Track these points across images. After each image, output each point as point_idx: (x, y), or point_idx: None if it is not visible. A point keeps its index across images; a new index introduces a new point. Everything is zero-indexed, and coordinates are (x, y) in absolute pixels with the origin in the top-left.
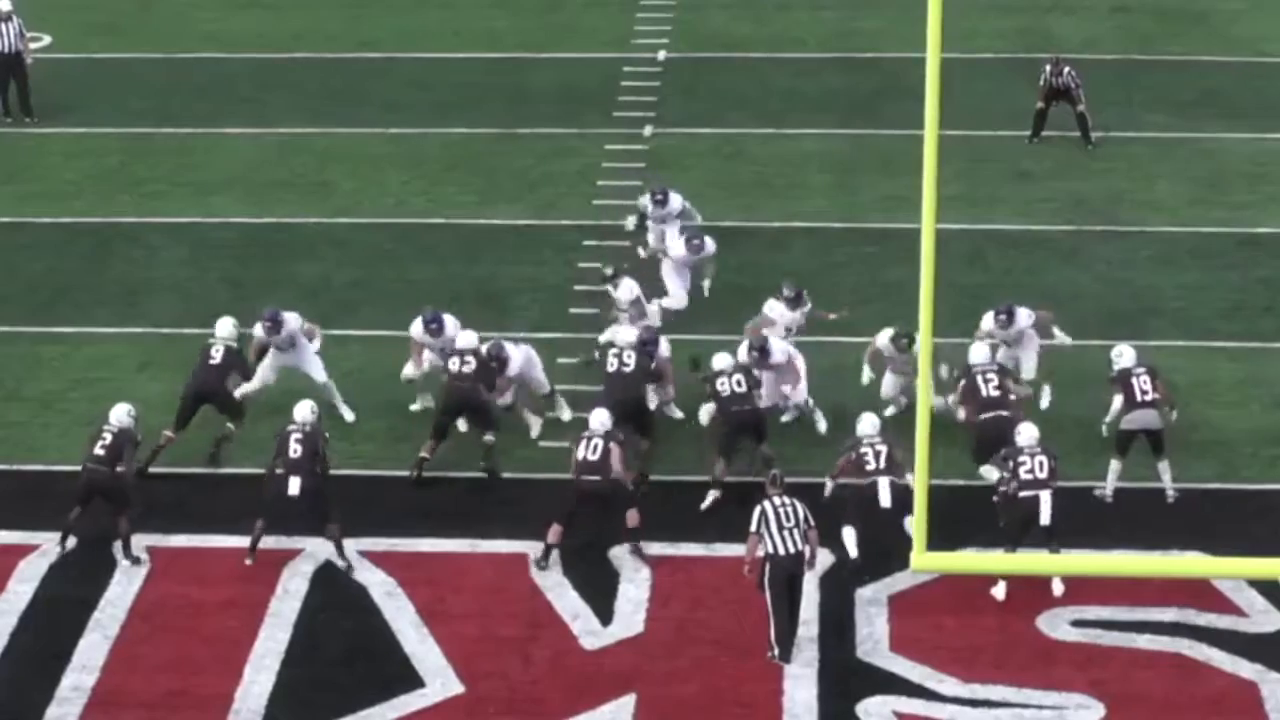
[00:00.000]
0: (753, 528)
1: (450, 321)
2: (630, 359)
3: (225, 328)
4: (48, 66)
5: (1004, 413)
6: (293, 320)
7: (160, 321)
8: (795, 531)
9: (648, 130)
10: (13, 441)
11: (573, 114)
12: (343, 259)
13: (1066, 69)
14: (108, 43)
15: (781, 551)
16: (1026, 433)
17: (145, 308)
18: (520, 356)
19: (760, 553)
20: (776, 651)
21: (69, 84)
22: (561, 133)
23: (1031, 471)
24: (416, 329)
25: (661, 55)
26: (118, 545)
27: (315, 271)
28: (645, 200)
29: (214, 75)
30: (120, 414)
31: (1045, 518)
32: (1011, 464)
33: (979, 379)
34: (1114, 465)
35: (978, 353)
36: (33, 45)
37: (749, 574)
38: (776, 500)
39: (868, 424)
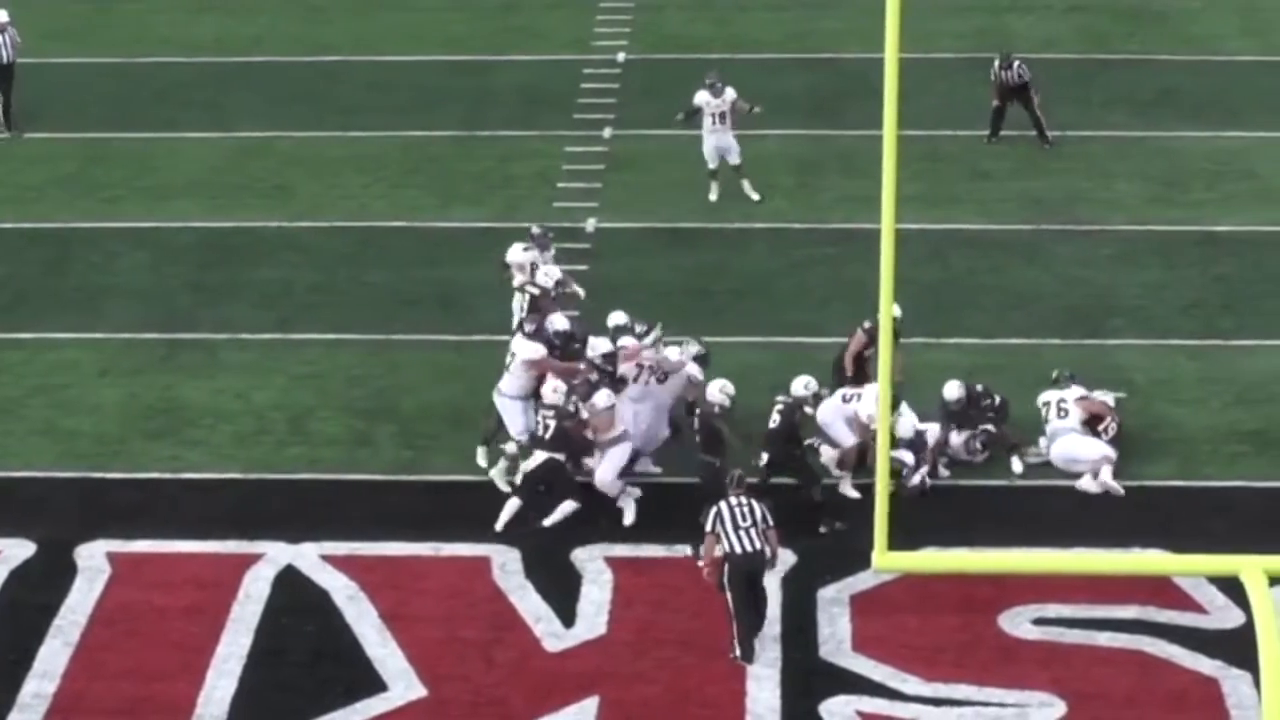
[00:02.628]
0: (708, 528)
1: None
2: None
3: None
4: None
5: None
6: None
7: (120, 327)
8: (753, 530)
9: (608, 132)
10: None
11: (533, 116)
12: (303, 263)
13: (1016, 62)
14: (66, 48)
15: (739, 550)
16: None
17: (105, 313)
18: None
19: (719, 553)
20: (739, 651)
21: (28, 90)
22: (521, 135)
23: None
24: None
25: (621, 57)
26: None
27: (275, 275)
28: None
29: (173, 80)
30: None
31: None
32: None
33: None
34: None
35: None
36: None
37: (708, 576)
38: (733, 500)
39: None
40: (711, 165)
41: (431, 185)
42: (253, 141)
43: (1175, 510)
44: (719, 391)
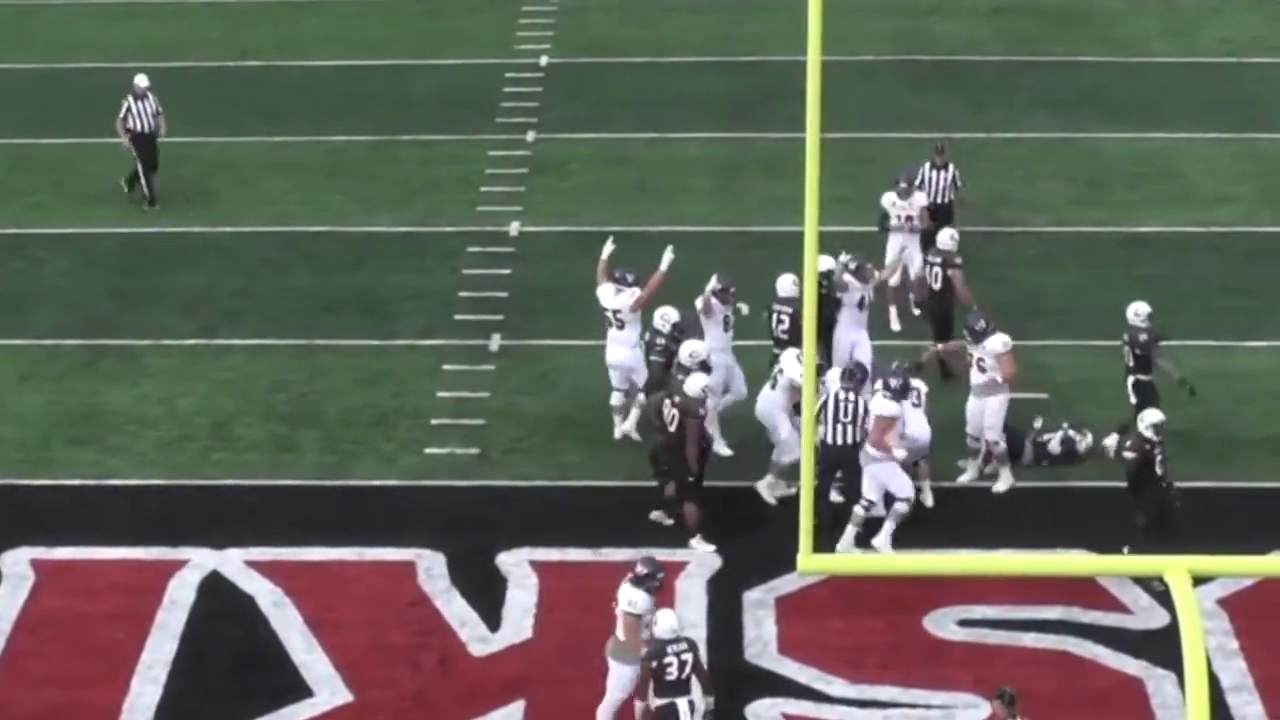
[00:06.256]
0: (815, 412)
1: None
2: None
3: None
4: None
5: None
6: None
7: (42, 333)
8: (850, 426)
9: (530, 135)
10: None
11: (455, 120)
12: (226, 268)
13: (952, 166)
14: None
15: (829, 440)
16: None
17: (28, 319)
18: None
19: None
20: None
21: None
22: (444, 139)
23: None
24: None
25: (544, 60)
26: None
27: (198, 281)
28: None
29: (95, 85)
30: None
31: None
32: None
33: None
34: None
35: None
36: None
37: None
38: (842, 395)
39: None
40: (894, 281)
41: (354, 190)
42: (175, 147)
43: (1099, 511)
44: None
